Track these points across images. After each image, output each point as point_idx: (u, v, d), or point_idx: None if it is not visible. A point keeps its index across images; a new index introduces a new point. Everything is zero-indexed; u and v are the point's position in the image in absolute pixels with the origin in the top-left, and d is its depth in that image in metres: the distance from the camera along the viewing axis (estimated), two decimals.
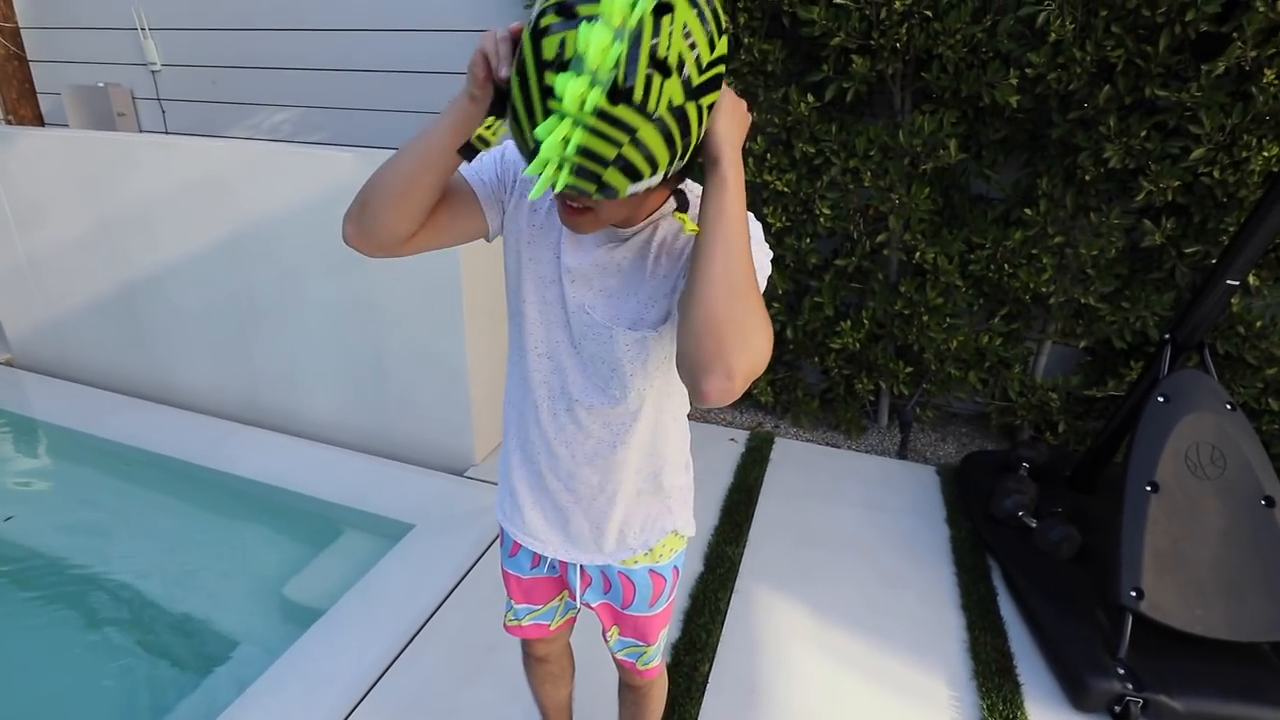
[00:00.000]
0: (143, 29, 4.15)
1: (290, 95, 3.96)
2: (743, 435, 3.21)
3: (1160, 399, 2.07)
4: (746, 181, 2.81)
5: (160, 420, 3.07)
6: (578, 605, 1.28)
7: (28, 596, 2.19)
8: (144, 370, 3.25)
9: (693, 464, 1.23)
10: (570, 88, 0.68)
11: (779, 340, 3.28)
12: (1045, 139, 2.74)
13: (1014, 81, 2.54)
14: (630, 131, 0.71)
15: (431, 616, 2.06)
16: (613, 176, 0.74)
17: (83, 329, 3.32)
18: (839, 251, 3.10)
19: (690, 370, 0.82)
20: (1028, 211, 2.76)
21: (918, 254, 2.89)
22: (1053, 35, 2.45)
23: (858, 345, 3.04)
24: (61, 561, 2.32)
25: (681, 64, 0.71)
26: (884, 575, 2.35)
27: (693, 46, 0.72)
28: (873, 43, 2.64)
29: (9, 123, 4.53)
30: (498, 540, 2.09)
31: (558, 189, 0.74)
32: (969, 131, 2.79)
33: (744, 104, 0.85)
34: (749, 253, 0.82)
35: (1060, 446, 3.05)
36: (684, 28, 0.71)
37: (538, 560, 1.23)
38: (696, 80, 0.73)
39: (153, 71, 4.23)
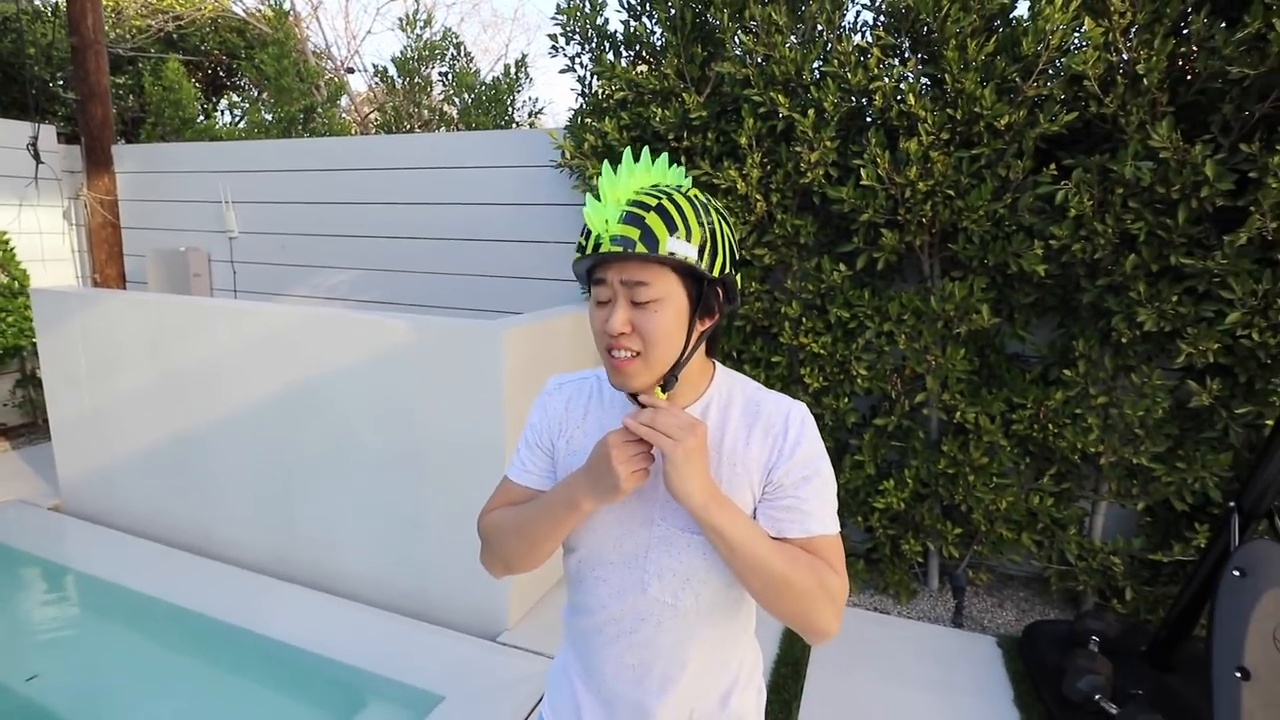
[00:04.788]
0: (227, 202, 4.66)
1: (348, 258, 4.46)
2: None
3: (1236, 573, 1.95)
4: (785, 344, 3.00)
5: (196, 573, 3.07)
6: None
7: None
8: (187, 520, 3.31)
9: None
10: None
11: None
12: (1077, 303, 2.79)
13: (1039, 251, 2.61)
14: (661, 194, 0.95)
15: None
16: (653, 221, 0.93)
17: (132, 477, 3.42)
18: (877, 410, 3.12)
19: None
20: (1066, 373, 2.76)
21: (958, 413, 2.89)
22: (1072, 210, 2.57)
23: (902, 505, 2.97)
24: None
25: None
26: None
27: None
28: (900, 218, 2.77)
29: (95, 281, 5.00)
30: (532, 716, 1.97)
31: (611, 232, 0.93)
32: (1000, 296, 2.85)
33: (695, 446, 0.95)
34: (772, 556, 0.95)
35: (1131, 617, 2.85)
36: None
37: None
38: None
39: (230, 238, 4.78)
